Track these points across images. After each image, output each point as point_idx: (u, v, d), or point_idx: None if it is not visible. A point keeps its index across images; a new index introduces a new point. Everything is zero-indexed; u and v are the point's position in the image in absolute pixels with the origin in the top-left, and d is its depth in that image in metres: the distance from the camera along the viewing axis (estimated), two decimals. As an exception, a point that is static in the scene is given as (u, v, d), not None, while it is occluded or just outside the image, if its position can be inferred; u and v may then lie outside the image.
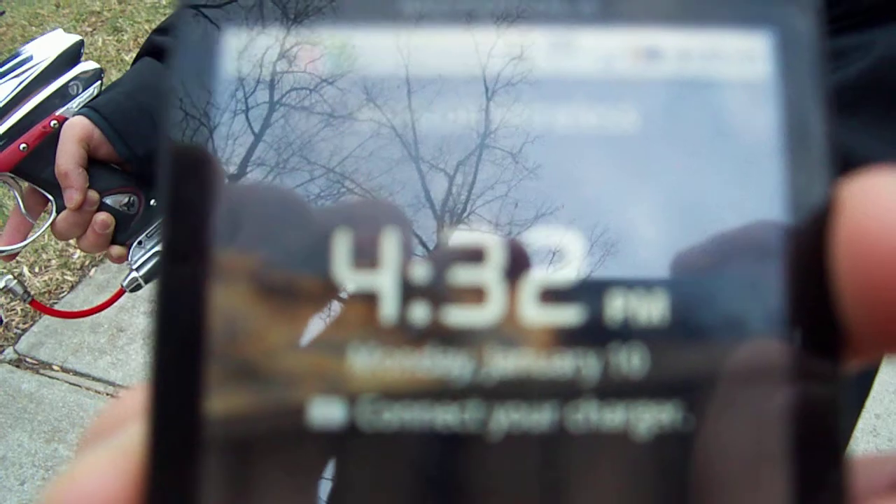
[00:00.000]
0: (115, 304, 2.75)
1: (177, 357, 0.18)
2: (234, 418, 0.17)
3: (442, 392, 0.18)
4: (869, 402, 0.87)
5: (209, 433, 0.17)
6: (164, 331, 0.18)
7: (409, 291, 0.18)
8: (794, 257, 0.16)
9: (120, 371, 2.66)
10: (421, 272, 0.18)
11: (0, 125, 0.92)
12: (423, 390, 0.18)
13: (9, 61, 0.94)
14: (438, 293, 0.18)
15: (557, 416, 0.17)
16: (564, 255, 0.18)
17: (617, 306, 0.18)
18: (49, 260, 3.05)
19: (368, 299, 0.18)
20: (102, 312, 2.79)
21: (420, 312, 0.18)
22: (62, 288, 2.98)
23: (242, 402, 0.17)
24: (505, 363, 0.18)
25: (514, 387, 0.18)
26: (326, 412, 0.18)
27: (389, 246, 0.18)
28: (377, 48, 0.19)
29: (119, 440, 0.18)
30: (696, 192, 0.17)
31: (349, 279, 0.18)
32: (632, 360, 0.18)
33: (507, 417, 0.17)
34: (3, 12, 0.94)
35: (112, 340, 2.76)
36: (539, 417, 0.17)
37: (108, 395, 2.58)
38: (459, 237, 0.18)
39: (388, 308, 0.18)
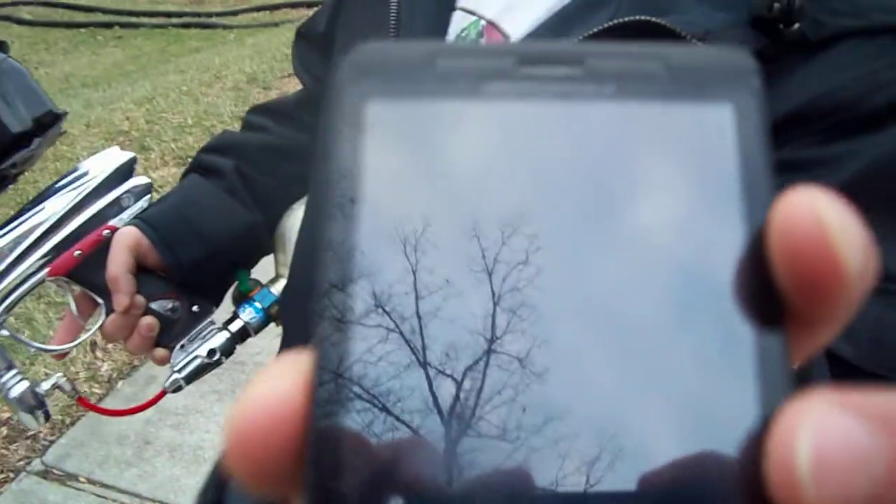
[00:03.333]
0: (142, 417, 2.76)
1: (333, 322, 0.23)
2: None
3: None
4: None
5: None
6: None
7: None
8: (749, 255, 0.22)
9: (147, 483, 2.67)
10: None
11: (57, 233, 0.98)
12: None
13: (67, 176, 1.02)
14: None
15: None
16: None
17: None
18: (77, 372, 3.09)
19: None
20: (129, 426, 2.81)
21: None
22: (90, 400, 3.01)
23: None
24: None
25: None
26: None
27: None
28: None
29: (292, 360, 0.23)
30: (687, 226, 0.22)
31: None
32: None
33: None
34: (67, 112, 1.01)
35: (138, 453, 2.78)
36: None
37: (133, 507, 2.60)
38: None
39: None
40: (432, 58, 0.24)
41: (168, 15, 9.94)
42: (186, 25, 9.44)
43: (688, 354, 0.22)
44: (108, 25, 9.35)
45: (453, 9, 0.77)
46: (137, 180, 1.05)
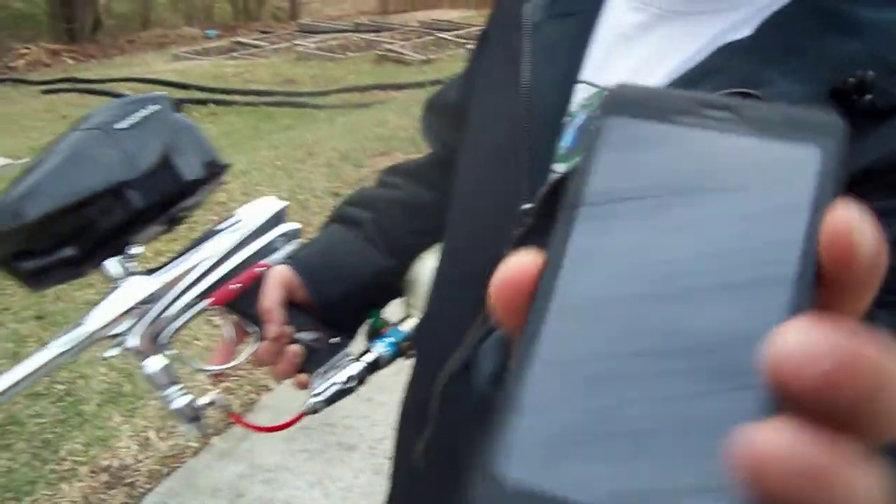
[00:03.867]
0: (235, 471, 2.84)
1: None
2: None
3: None
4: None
5: None
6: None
7: None
8: (809, 238, 0.31)
9: (238, 532, 2.79)
10: None
11: (219, 269, 1.12)
12: None
13: (227, 220, 1.16)
14: None
15: None
16: None
17: None
18: (175, 426, 3.22)
19: None
20: (223, 478, 2.90)
21: None
22: (185, 453, 3.14)
23: None
24: None
25: None
26: None
27: None
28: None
29: (534, 251, 0.33)
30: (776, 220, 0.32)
31: None
32: None
33: None
34: (231, 164, 1.10)
35: (231, 504, 2.92)
36: None
37: (226, 554, 2.71)
38: None
39: None
40: (650, 97, 0.36)
41: (259, 93, 10.29)
42: (278, 104, 9.76)
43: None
44: (203, 102, 9.71)
45: (576, 81, 0.89)
46: (288, 225, 1.19)
